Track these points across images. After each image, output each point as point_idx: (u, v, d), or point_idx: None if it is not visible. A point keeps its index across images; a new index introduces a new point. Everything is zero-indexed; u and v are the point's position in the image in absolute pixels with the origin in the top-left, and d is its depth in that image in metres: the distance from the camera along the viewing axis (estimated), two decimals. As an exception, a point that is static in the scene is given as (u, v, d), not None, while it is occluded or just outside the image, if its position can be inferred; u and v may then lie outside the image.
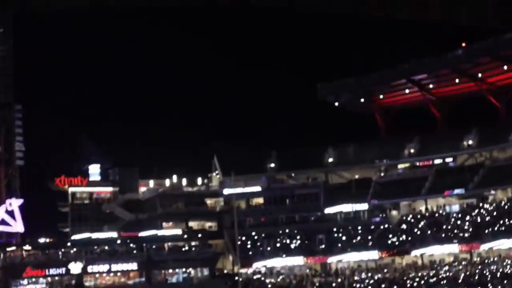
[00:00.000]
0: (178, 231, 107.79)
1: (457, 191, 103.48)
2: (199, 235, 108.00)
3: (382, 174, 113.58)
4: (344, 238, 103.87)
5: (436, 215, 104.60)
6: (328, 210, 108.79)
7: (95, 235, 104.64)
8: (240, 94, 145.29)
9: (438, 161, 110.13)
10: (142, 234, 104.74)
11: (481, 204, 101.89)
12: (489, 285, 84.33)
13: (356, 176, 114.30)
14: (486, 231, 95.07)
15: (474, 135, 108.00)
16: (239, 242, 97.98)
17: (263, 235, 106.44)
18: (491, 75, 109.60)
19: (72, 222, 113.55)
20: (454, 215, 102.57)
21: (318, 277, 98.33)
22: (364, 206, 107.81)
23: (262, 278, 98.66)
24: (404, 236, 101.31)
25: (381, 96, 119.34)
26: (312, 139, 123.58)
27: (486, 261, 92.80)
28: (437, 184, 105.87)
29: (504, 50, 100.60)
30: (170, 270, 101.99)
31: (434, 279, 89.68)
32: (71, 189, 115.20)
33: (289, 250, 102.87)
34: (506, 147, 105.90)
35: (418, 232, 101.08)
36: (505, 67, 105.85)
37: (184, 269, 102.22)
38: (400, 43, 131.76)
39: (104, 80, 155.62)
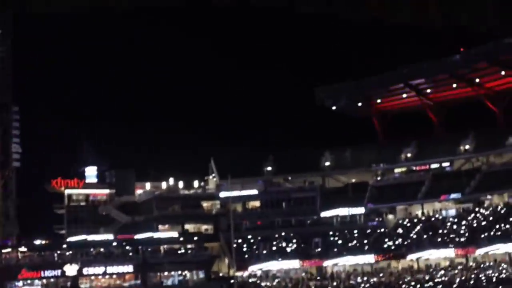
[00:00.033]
0: (174, 234, 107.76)
1: (453, 195, 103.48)
2: (195, 238, 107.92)
3: (378, 178, 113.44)
4: (340, 241, 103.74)
5: (432, 219, 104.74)
6: (325, 214, 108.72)
7: (91, 237, 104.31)
8: (237, 97, 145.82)
9: (434, 166, 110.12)
10: (138, 236, 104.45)
11: (477, 209, 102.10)
12: None
13: (353, 180, 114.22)
14: (482, 235, 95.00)
15: (471, 140, 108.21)
16: (235, 245, 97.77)
17: (259, 238, 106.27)
18: (489, 80, 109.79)
19: (68, 224, 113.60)
20: (450, 219, 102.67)
21: (314, 281, 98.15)
22: (360, 210, 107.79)
23: (258, 281, 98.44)
24: (400, 240, 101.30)
25: (379, 100, 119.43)
26: (309, 143, 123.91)
27: (482, 265, 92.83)
28: (433, 188, 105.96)
29: (502, 55, 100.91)
30: (166, 273, 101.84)
31: (430, 283, 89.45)
32: (67, 191, 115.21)
33: (285, 253, 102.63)
34: (503, 152, 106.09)
35: (414, 236, 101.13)
36: (503, 72, 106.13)
37: (179, 272, 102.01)
38: (398, 48, 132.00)
39: (101, 82, 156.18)
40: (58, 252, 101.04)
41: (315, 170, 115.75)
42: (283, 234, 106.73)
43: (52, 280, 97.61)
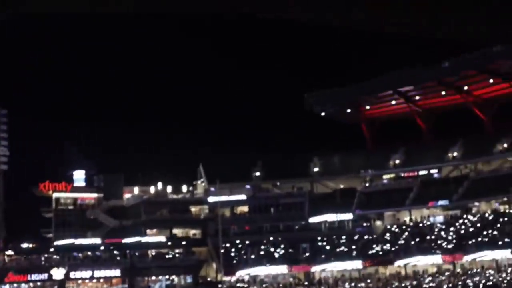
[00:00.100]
0: (162, 238, 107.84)
1: (441, 202, 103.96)
2: (183, 243, 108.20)
3: (367, 184, 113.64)
4: (328, 247, 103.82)
5: (420, 226, 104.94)
6: (313, 220, 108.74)
7: (79, 241, 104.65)
8: (226, 102, 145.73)
9: (423, 172, 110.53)
10: (126, 240, 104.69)
11: (465, 216, 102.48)
12: None
13: (341, 186, 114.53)
14: (470, 242, 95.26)
15: (459, 147, 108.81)
16: (223, 250, 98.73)
17: (247, 243, 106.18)
18: (477, 88, 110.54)
19: (56, 228, 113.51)
20: (438, 226, 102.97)
21: (302, 286, 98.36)
22: (348, 216, 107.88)
23: (246, 286, 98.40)
24: (388, 246, 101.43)
25: (368, 107, 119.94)
26: (298, 149, 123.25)
27: (469, 272, 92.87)
28: (421, 195, 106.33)
29: (490, 64, 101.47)
30: (153, 277, 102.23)
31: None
32: (55, 195, 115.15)
33: (273, 258, 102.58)
34: (490, 160, 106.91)
35: (402, 243, 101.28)
36: (491, 80, 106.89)
37: (167, 276, 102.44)
38: (387, 55, 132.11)
39: (91, 86, 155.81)
40: (45, 255, 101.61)
41: (303, 175, 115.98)
42: (271, 239, 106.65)
43: (39, 283, 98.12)
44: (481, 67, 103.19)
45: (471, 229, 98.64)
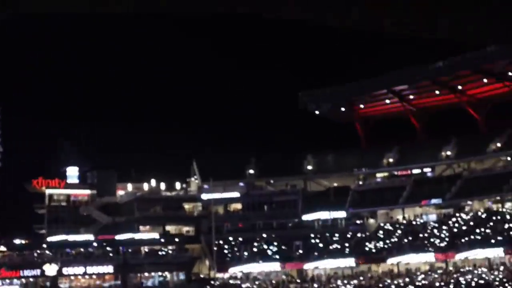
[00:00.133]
0: (155, 235, 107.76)
1: (434, 201, 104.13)
2: (176, 240, 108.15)
3: (360, 183, 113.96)
4: (321, 245, 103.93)
5: (413, 224, 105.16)
6: (306, 217, 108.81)
7: (72, 237, 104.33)
8: (220, 100, 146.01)
9: (416, 171, 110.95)
10: (119, 237, 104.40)
11: (457, 214, 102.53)
12: None
13: (335, 184, 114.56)
14: (463, 240, 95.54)
15: (453, 146, 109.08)
16: (216, 247, 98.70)
17: (240, 240, 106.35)
18: (471, 87, 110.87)
19: (49, 224, 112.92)
20: (431, 224, 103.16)
21: (294, 283, 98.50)
22: (341, 214, 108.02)
23: (239, 283, 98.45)
24: (381, 244, 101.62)
25: (362, 106, 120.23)
26: (292, 147, 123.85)
27: (462, 270, 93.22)
28: (414, 193, 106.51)
29: (484, 64, 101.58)
30: (146, 274, 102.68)
31: (410, 287, 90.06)
32: (48, 191, 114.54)
33: (266, 256, 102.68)
34: (484, 159, 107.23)
35: (395, 241, 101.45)
36: (485, 80, 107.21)
37: (160, 273, 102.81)
38: (382, 54, 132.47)
39: (84, 82, 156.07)
40: (38, 251, 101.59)
41: (297, 173, 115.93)
42: (264, 236, 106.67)
43: (31, 279, 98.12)
44: (475, 67, 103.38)
45: (463, 228, 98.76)
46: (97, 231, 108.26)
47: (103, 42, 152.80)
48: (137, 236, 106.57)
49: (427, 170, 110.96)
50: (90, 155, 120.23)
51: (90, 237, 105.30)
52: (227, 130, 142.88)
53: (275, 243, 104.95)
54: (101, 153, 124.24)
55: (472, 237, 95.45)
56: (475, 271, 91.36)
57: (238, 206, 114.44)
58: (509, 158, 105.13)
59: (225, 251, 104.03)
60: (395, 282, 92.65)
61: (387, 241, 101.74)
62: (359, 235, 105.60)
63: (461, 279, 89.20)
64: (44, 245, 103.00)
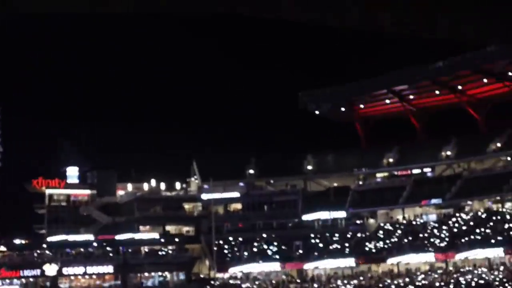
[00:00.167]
0: (155, 235, 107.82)
1: (434, 201, 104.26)
2: (176, 239, 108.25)
3: (360, 183, 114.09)
4: (321, 245, 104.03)
5: (413, 224, 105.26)
6: (306, 217, 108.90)
7: (72, 237, 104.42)
8: (221, 101, 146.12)
9: (416, 171, 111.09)
10: (119, 237, 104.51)
11: (457, 214, 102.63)
12: None
13: (335, 184, 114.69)
14: (463, 240, 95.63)
15: (453, 146, 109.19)
16: (216, 247, 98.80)
17: (240, 240, 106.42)
18: (471, 87, 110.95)
19: (49, 224, 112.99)
20: (431, 224, 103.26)
21: (294, 283, 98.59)
22: (342, 214, 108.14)
23: (239, 283, 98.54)
24: (381, 244, 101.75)
25: (362, 106, 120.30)
26: (292, 147, 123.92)
27: (462, 270, 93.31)
28: (414, 193, 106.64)
29: (484, 64, 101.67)
30: (146, 274, 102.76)
31: (410, 287, 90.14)
32: (48, 191, 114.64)
33: (266, 256, 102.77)
34: (484, 159, 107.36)
35: (395, 241, 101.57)
36: (485, 80, 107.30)
37: (160, 273, 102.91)
38: (382, 54, 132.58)
39: (83, 82, 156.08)
40: (38, 251, 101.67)
41: (297, 173, 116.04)
42: (264, 236, 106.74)
43: (31, 279, 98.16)
44: (475, 67, 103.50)
45: (463, 228, 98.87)
46: (97, 231, 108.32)
47: (103, 42, 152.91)
48: (137, 236, 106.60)
49: (427, 170, 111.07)
50: (90, 155, 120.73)
51: (90, 237, 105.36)
52: (227, 130, 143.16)
53: (275, 243, 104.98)
54: (101, 153, 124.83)
55: (472, 237, 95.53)
56: (475, 271, 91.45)
57: (238, 206, 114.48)
58: (509, 158, 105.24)
59: (225, 251, 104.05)
60: (395, 282, 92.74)
61: (387, 241, 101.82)
62: (359, 235, 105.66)
63: (461, 279, 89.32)
64: (44, 245, 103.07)
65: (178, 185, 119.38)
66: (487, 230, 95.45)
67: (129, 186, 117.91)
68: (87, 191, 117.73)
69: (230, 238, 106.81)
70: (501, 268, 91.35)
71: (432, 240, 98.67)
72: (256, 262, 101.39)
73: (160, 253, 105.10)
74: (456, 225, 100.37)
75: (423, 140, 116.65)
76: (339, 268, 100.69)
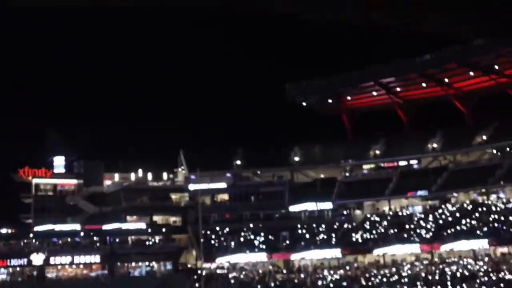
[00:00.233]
0: (142, 225, 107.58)
1: (420, 192, 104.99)
2: (163, 230, 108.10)
3: (347, 174, 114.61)
4: (307, 235, 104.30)
5: (399, 215, 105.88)
6: (293, 208, 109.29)
7: (58, 227, 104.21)
8: (208, 91, 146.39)
9: (402, 163, 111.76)
10: (106, 227, 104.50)
11: (443, 206, 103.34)
12: (448, 284, 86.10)
13: (322, 176, 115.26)
14: (448, 231, 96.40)
15: (439, 138, 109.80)
16: (203, 238, 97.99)
17: (227, 230, 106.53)
18: (458, 80, 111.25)
19: (35, 214, 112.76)
20: (417, 216, 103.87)
21: (281, 274, 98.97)
22: (328, 205, 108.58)
23: (225, 273, 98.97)
24: (367, 235, 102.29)
25: (349, 98, 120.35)
26: (279, 138, 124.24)
27: (447, 260, 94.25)
28: (401, 185, 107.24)
29: (471, 57, 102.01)
30: (133, 264, 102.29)
31: (396, 277, 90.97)
32: (35, 181, 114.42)
33: (253, 246, 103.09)
34: (469, 151, 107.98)
35: (381, 232, 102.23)
36: (472, 73, 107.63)
37: (147, 263, 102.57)
38: (370, 47, 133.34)
39: (70, 72, 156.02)
40: (25, 241, 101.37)
41: (284, 165, 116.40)
42: (251, 227, 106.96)
43: (18, 269, 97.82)
44: (462, 60, 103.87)
45: (449, 219, 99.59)
46: (84, 221, 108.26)
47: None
48: (124, 226, 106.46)
49: (413, 162, 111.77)
50: (77, 145, 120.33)
51: (77, 226, 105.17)
52: (214, 121, 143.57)
53: (262, 234, 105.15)
54: (88, 143, 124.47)
55: (457, 228, 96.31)
56: (460, 262, 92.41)
57: (225, 196, 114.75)
58: (494, 151, 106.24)
59: (212, 241, 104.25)
60: (381, 272, 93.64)
61: (373, 232, 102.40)
62: (345, 226, 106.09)
63: (446, 269, 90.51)
64: (31, 235, 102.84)
65: (165, 176, 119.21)
66: (473, 222, 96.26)
67: (116, 176, 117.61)
68: (74, 181, 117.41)
69: (217, 229, 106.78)
70: (486, 259, 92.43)
71: (418, 231, 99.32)
72: (243, 252, 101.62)
73: (147, 243, 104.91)
74: (442, 216, 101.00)
75: (409, 132, 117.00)
76: (325, 259, 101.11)
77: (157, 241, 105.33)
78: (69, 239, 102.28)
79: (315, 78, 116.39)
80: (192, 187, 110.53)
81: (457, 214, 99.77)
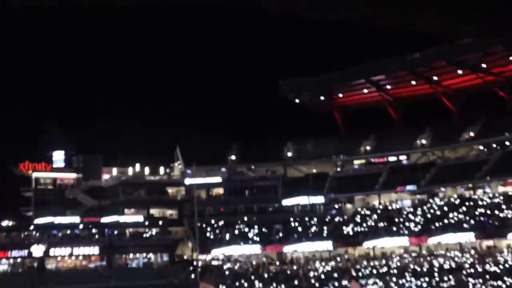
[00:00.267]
0: (140, 218, 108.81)
1: (409, 187, 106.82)
2: (160, 222, 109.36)
3: (338, 169, 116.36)
4: (300, 228, 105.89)
5: (389, 209, 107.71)
6: (286, 202, 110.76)
7: (58, 220, 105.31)
8: (204, 89, 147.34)
9: (392, 159, 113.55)
10: (104, 220, 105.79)
11: (431, 200, 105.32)
12: (435, 276, 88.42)
13: (314, 170, 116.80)
14: (436, 225, 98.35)
15: (428, 135, 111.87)
16: (198, 230, 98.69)
17: (222, 223, 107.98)
18: (446, 78, 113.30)
19: (35, 207, 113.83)
20: (406, 209, 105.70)
21: (274, 265, 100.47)
22: (320, 199, 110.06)
23: (220, 264, 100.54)
24: (357, 228, 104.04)
25: (341, 95, 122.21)
26: (273, 134, 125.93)
27: (435, 253, 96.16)
28: (390, 180, 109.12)
29: (459, 55, 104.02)
30: (131, 255, 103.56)
31: (385, 269, 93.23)
32: (35, 174, 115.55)
33: (247, 238, 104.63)
34: (457, 147, 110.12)
35: (371, 225, 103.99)
36: (459, 71, 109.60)
37: (144, 254, 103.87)
38: (361, 45, 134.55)
39: (71, 69, 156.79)
40: (25, 233, 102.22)
41: (277, 160, 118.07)
42: (245, 220, 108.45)
43: (19, 260, 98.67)
44: (450, 58, 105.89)
45: (437, 213, 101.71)
46: (83, 214, 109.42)
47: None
48: (122, 218, 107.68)
49: (402, 157, 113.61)
50: (76, 139, 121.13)
51: (76, 219, 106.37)
52: (210, 117, 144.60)
53: (256, 227, 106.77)
54: (87, 137, 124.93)
55: (445, 221, 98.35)
56: (448, 254, 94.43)
57: (220, 190, 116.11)
58: (481, 147, 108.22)
59: (208, 234, 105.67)
60: (371, 264, 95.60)
61: (364, 225, 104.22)
62: (336, 219, 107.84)
63: (434, 261, 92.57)
64: (31, 227, 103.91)
65: (162, 170, 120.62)
66: (459, 216, 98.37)
67: (114, 170, 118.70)
68: (73, 175, 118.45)
69: (212, 221, 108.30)
70: (472, 251, 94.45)
71: (406, 224, 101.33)
72: (238, 244, 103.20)
73: (144, 235, 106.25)
74: (430, 210, 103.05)
75: (399, 128, 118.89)
76: (317, 251, 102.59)
77: (154, 233, 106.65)
78: (68, 231, 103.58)
79: (308, 76, 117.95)
80: (188, 181, 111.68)
81: (445, 208, 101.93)
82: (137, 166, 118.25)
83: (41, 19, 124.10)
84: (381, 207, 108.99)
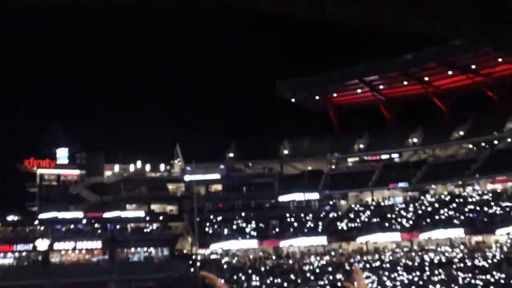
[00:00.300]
0: (141, 213, 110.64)
1: (401, 184, 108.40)
2: (160, 218, 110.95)
3: (333, 167, 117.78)
4: (296, 224, 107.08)
5: (381, 205, 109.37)
6: (282, 198, 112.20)
7: (62, 215, 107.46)
8: (204, 89, 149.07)
9: (385, 157, 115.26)
10: (107, 215, 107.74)
11: (422, 197, 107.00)
12: (426, 270, 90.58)
13: (309, 168, 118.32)
14: (427, 221, 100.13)
15: (419, 134, 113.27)
16: (197, 225, 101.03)
17: (220, 219, 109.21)
18: (437, 79, 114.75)
19: (40, 202, 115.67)
20: (398, 206, 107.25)
21: (271, 260, 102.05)
22: (315, 196, 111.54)
23: (219, 258, 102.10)
24: (351, 224, 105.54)
25: (335, 95, 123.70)
26: (270, 132, 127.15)
27: (426, 248, 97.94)
28: (383, 177, 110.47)
29: (450, 57, 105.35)
30: (132, 249, 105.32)
31: (377, 263, 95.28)
32: (39, 171, 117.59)
33: (244, 233, 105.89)
34: (447, 146, 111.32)
35: (364, 221, 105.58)
36: (450, 72, 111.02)
37: (145, 249, 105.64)
38: (355, 46, 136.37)
39: (72, 69, 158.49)
40: (30, 228, 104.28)
41: (274, 157, 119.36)
42: (243, 215, 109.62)
43: (24, 254, 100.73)
44: (441, 60, 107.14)
45: (428, 210, 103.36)
46: (86, 209, 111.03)
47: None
48: (124, 214, 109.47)
49: (395, 155, 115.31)
50: (79, 137, 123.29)
51: (79, 214, 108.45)
52: (209, 115, 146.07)
53: (253, 222, 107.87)
54: (90, 135, 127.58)
55: (435, 218, 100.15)
56: (438, 249, 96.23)
57: (219, 187, 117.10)
58: (470, 146, 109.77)
59: (206, 229, 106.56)
60: (364, 258, 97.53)
61: (357, 221, 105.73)
62: (331, 215, 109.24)
63: (425, 256, 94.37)
64: (36, 222, 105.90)
65: (162, 167, 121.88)
66: (450, 212, 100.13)
67: (116, 167, 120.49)
68: (76, 171, 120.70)
69: (211, 217, 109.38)
70: (462, 247, 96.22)
71: (398, 220, 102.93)
72: (235, 239, 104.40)
73: (145, 230, 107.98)
74: (421, 207, 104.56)
75: (391, 127, 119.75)
76: (312, 246, 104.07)
77: (154, 228, 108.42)
78: (72, 226, 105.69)
79: (304, 76, 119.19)
80: (187, 178, 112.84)
81: (435, 205, 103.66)
82: (138, 163, 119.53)
83: (41, 19, 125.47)
84: (374, 203, 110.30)
